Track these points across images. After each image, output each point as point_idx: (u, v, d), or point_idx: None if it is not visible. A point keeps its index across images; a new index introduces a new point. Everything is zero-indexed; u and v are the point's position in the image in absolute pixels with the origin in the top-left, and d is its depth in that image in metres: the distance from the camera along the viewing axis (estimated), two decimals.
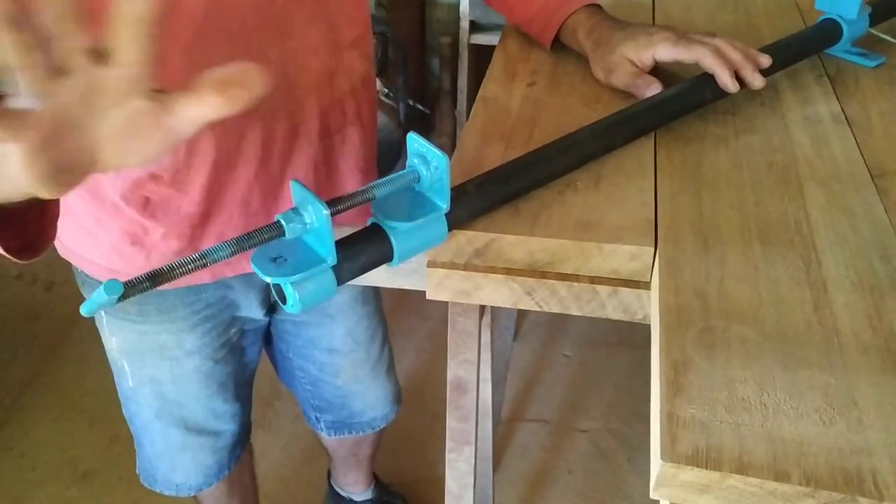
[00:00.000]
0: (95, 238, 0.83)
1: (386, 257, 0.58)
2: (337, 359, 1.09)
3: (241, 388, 1.06)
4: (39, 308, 2.03)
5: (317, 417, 1.21)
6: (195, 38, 0.68)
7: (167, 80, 0.66)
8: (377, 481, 1.50)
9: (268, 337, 1.12)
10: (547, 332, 1.96)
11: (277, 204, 0.83)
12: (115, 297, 0.46)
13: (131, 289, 0.49)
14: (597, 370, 1.87)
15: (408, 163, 0.59)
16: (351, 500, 1.49)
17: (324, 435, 1.23)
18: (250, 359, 1.06)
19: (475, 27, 2.01)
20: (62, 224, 0.68)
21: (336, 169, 0.87)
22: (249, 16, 0.70)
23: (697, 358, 0.52)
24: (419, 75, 2.16)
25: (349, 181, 0.89)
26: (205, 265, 0.51)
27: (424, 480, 1.63)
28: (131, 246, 0.82)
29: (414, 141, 0.58)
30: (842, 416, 0.48)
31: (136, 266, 0.83)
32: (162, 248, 0.81)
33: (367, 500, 1.49)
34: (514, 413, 1.77)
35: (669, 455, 0.45)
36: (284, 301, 0.55)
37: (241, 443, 1.12)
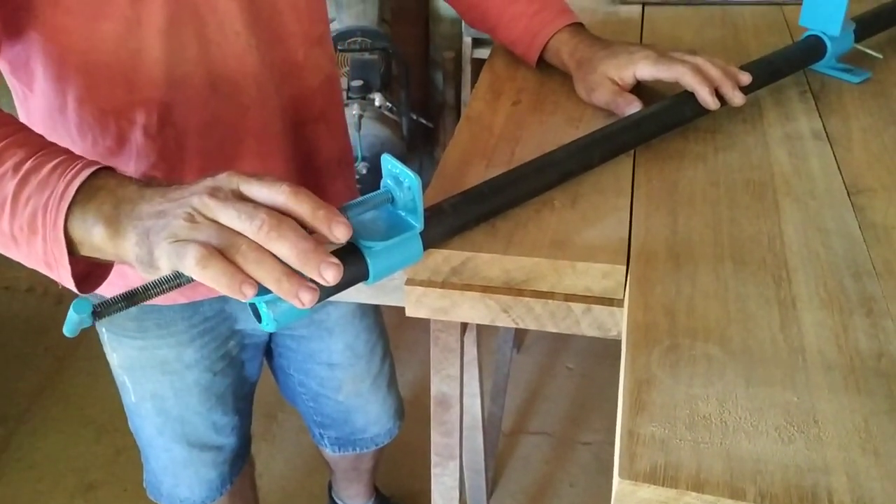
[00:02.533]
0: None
1: (361, 276, 0.59)
2: (337, 373, 1.10)
3: (241, 402, 1.07)
4: (49, 321, 2.06)
5: (320, 434, 1.22)
6: (170, 24, 0.69)
7: (147, 69, 0.70)
8: (378, 493, 1.51)
9: (269, 353, 1.13)
10: (550, 344, 1.97)
11: None
12: (86, 315, 0.47)
13: (106, 308, 0.51)
14: (600, 382, 1.87)
15: (381, 183, 0.60)
16: None
17: (328, 451, 1.24)
18: (250, 373, 1.07)
19: (478, 42, 2.02)
20: None
21: (311, 164, 0.88)
22: (223, 3, 0.72)
23: (662, 375, 0.52)
24: (422, 90, 2.18)
25: (327, 176, 0.90)
26: (179, 285, 0.52)
27: (425, 492, 1.63)
28: None
29: (387, 162, 0.59)
30: (801, 434, 0.48)
31: (129, 277, 0.81)
32: None
33: None
34: (516, 425, 1.78)
35: (627, 472, 0.46)
36: (260, 320, 0.56)
37: (242, 456, 1.13)
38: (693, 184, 0.72)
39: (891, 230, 0.66)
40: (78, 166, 0.56)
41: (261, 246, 0.50)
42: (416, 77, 2.13)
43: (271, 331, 0.55)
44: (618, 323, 0.64)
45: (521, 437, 1.75)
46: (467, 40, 2.02)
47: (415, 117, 2.10)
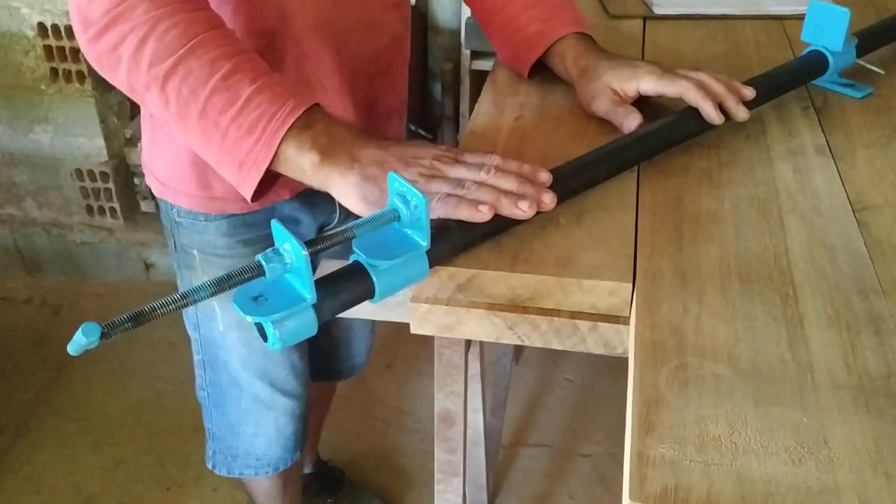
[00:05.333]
0: (200, 168, 0.88)
1: (367, 294, 0.59)
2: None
3: (310, 345, 1.10)
4: (47, 332, 2.05)
5: None
6: None
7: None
8: (317, 458, 1.59)
9: None
10: (549, 356, 1.96)
11: None
12: (94, 339, 0.47)
13: (113, 329, 0.50)
14: (599, 394, 1.87)
15: (388, 202, 0.60)
16: None
17: None
18: None
19: (477, 53, 2.03)
20: (161, 160, 0.92)
21: (373, 111, 0.94)
22: None
23: (670, 396, 0.52)
24: (421, 101, 2.18)
25: (382, 123, 0.97)
26: (185, 305, 0.52)
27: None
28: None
29: (394, 180, 0.59)
30: (811, 456, 0.48)
31: (214, 189, 0.89)
32: None
33: (309, 474, 1.57)
34: (516, 437, 1.77)
35: (638, 495, 0.46)
36: (266, 339, 0.56)
37: (306, 420, 1.15)
38: (698, 200, 0.71)
39: None
40: (305, 94, 0.68)
41: (483, 183, 0.65)
42: (415, 88, 2.13)
43: (277, 349, 0.55)
44: (624, 341, 0.64)
45: (521, 449, 1.75)
46: (466, 52, 2.02)
47: (413, 128, 2.11)
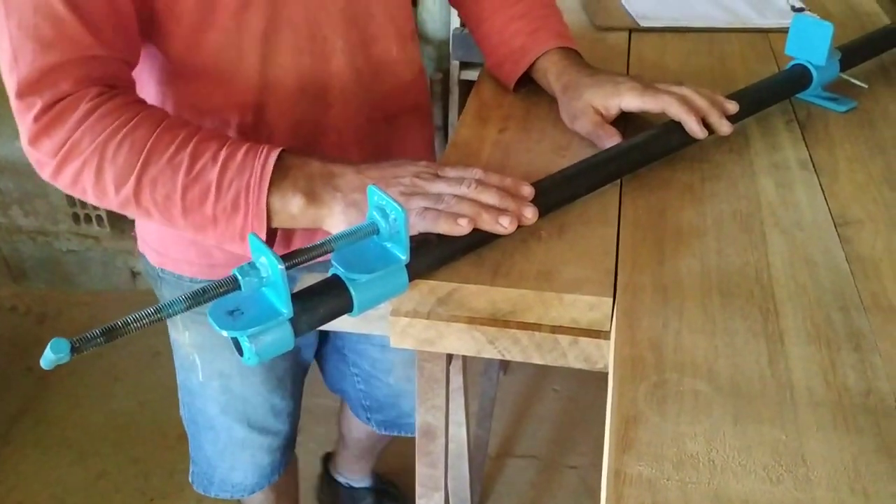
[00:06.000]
0: (179, 234, 0.87)
1: (345, 308, 0.59)
2: (389, 355, 1.13)
3: (295, 387, 1.10)
4: (31, 340, 2.04)
5: (367, 417, 1.25)
6: (267, 33, 0.76)
7: (245, 73, 0.77)
8: (372, 472, 1.58)
9: (323, 338, 1.16)
10: (536, 367, 1.96)
11: None
12: (63, 354, 0.47)
13: (84, 344, 0.50)
14: (586, 405, 1.86)
15: (367, 215, 0.59)
16: (350, 486, 1.56)
17: (374, 429, 1.27)
18: (305, 357, 1.12)
19: (466, 64, 2.03)
20: (156, 232, 0.92)
21: (401, 154, 0.91)
22: (314, 8, 0.78)
23: (649, 412, 0.52)
24: None
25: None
26: (159, 319, 0.52)
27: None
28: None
29: (374, 193, 0.58)
30: (789, 474, 0.48)
31: (238, 257, 0.87)
32: None
33: (365, 487, 1.56)
34: (503, 448, 1.76)
35: None
36: (241, 353, 0.55)
37: (292, 447, 1.17)
38: (680, 214, 0.71)
39: (878, 262, 0.66)
40: (266, 150, 0.68)
41: (463, 197, 0.65)
42: None
43: (253, 364, 0.54)
44: (604, 355, 0.63)
45: (508, 460, 1.74)
46: (455, 62, 2.02)
47: None
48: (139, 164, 0.66)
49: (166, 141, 0.67)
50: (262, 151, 0.68)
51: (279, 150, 0.68)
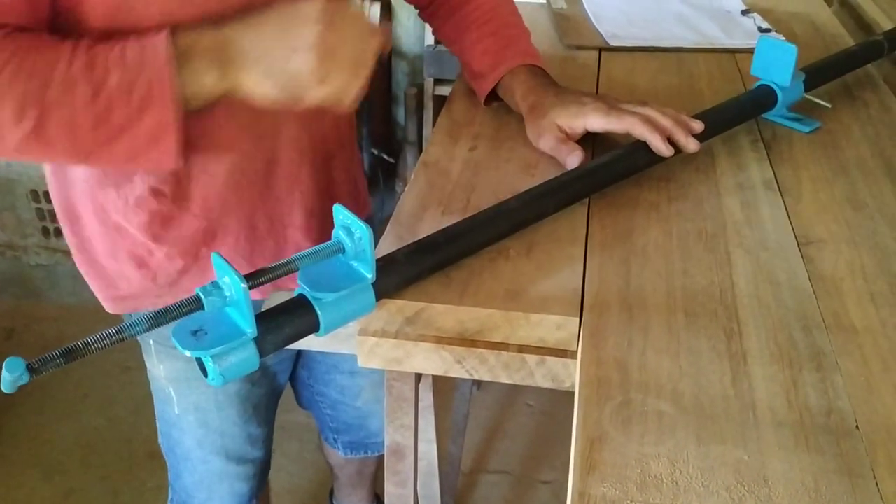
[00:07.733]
0: (104, 269, 0.87)
1: (312, 328, 0.58)
2: (358, 380, 1.13)
3: (270, 413, 1.10)
4: None
5: (334, 438, 1.25)
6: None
7: None
8: (377, 499, 1.53)
9: (294, 360, 1.15)
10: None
11: (285, 232, 0.87)
12: (19, 374, 0.46)
13: (44, 364, 0.49)
14: (560, 420, 1.86)
15: (333, 234, 0.59)
16: None
17: (339, 453, 1.26)
18: (278, 384, 1.10)
19: (440, 81, 2.03)
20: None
21: (337, 196, 0.90)
22: None
23: (614, 433, 0.52)
24: (384, 125, 2.18)
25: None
26: (121, 340, 0.51)
27: None
28: (137, 269, 0.85)
29: (339, 212, 0.58)
30: (751, 494, 0.48)
31: (144, 290, 0.86)
32: (167, 268, 0.84)
33: None
34: (476, 464, 1.76)
35: None
36: (206, 374, 0.55)
37: (267, 471, 1.16)
38: (646, 233, 0.72)
39: (839, 282, 0.66)
40: (150, 39, 0.64)
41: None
42: (378, 112, 2.13)
43: (218, 385, 0.54)
44: (572, 375, 0.64)
45: (481, 476, 1.74)
46: (429, 77, 2.03)
47: (376, 152, 2.10)
48: (36, 90, 0.62)
49: (54, 60, 0.63)
50: (146, 44, 0.64)
51: (165, 31, 0.64)
